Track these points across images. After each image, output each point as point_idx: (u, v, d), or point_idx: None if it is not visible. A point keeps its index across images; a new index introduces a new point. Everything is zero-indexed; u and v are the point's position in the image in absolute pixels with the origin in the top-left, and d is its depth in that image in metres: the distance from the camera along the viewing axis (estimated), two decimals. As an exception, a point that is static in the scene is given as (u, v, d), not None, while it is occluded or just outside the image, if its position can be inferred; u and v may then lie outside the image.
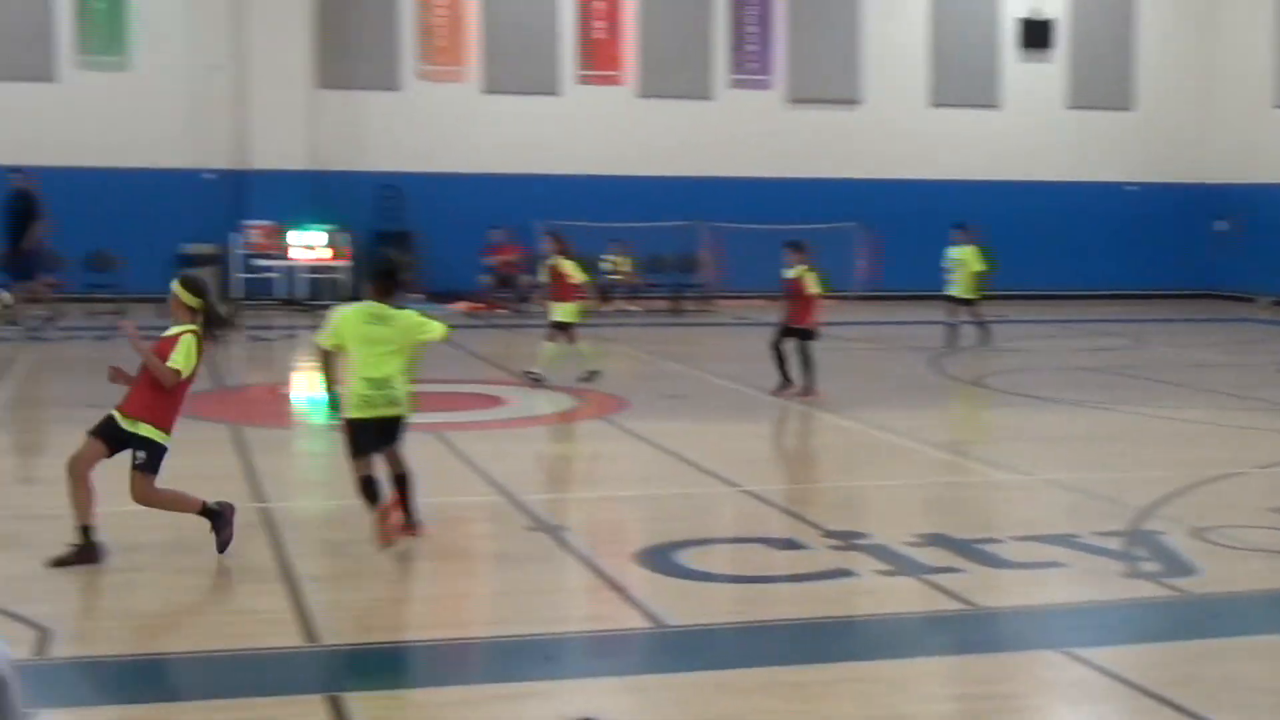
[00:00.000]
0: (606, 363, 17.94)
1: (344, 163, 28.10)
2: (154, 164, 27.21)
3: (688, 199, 29.04)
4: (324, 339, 9.44)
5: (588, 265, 18.59)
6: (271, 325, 23.69)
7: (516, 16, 28.91)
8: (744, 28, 30.13)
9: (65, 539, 8.83)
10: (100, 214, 26.70)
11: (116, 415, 9.06)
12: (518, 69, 28.96)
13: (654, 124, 29.61)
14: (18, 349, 20.33)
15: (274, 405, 16.72)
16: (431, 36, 28.67)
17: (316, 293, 27.24)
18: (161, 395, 9.05)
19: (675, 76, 29.77)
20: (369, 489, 9.27)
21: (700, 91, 29.96)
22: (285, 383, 18.51)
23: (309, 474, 12.86)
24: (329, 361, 9.49)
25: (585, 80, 29.45)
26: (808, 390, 16.30)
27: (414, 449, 12.90)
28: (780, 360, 16.48)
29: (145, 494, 9.02)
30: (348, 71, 28.17)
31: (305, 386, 18.25)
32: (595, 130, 29.33)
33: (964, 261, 21.93)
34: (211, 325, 9.40)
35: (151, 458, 8.99)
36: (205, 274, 12.70)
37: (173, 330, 9.29)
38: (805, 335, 16.48)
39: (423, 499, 9.57)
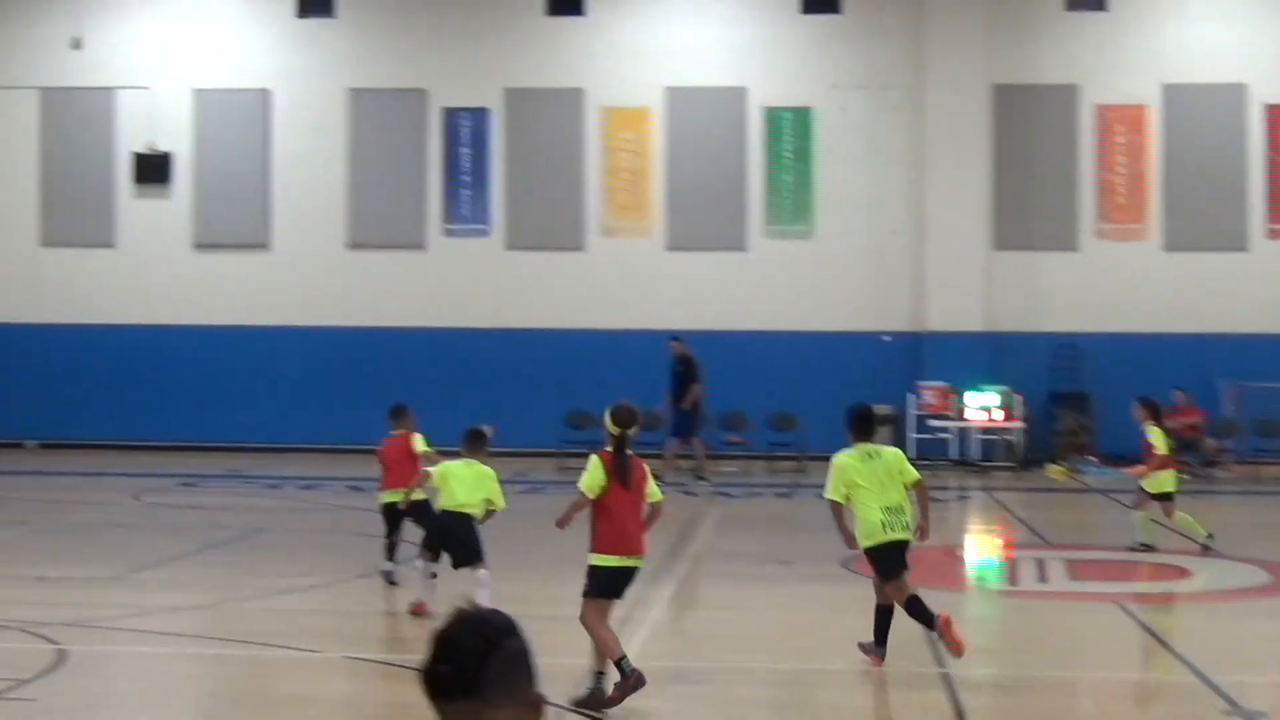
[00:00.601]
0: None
1: (1019, 324, 28.01)
2: (835, 327, 28.16)
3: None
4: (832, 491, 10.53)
5: (1171, 435, 17.38)
6: (946, 486, 23.76)
7: (1201, 172, 27.99)
8: None
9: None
10: (783, 376, 27.88)
11: None
12: (1201, 223, 27.97)
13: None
14: (709, 504, 21.40)
15: (949, 568, 16.67)
16: (1111, 195, 28.26)
17: (989, 454, 27.17)
18: (596, 522, 9.58)
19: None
20: (918, 607, 10.06)
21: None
22: (959, 545, 18.45)
23: (984, 640, 12.70)
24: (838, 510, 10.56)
25: (1275, 234, 28.05)
26: None
27: (1096, 619, 12.52)
28: None
29: (584, 618, 9.48)
30: (1025, 232, 28.16)
31: (978, 550, 18.17)
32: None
33: None
34: (619, 450, 9.68)
35: (590, 581, 9.46)
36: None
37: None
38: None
39: (1106, 673, 9.25)
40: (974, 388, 26.86)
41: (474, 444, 12.63)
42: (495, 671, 2.93)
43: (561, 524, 10.04)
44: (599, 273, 28.62)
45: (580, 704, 9.31)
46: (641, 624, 12.21)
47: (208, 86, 29.23)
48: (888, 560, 10.29)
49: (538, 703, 3.00)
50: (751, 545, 17.48)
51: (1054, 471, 26.47)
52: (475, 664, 2.92)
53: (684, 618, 12.65)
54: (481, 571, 12.10)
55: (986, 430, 27.11)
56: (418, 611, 12.22)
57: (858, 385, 27.59)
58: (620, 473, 9.62)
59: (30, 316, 29.43)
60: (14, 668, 10.20)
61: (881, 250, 28.37)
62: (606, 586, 9.59)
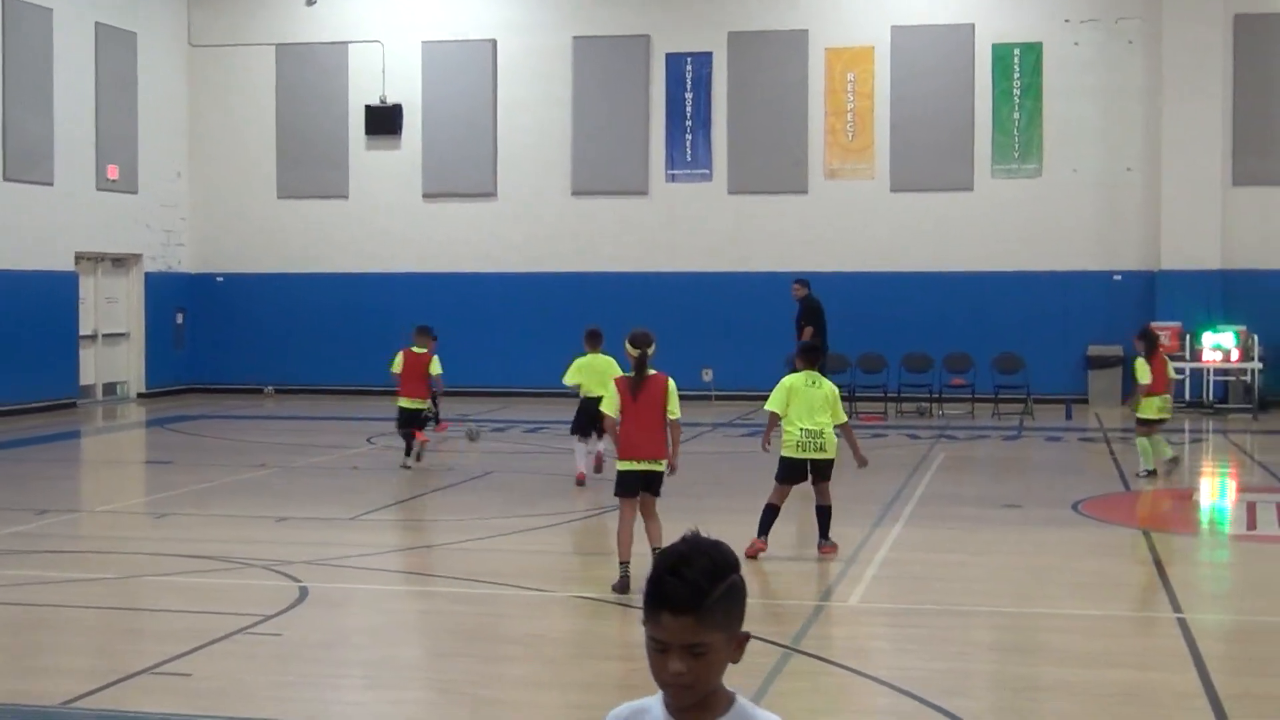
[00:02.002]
0: None
1: (1256, 261, 27.07)
2: (1065, 266, 27.57)
3: None
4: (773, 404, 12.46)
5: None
6: (1180, 428, 23.12)
7: None
8: None
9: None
10: (1010, 317, 27.45)
11: None
12: None
13: None
14: (932, 446, 21.19)
15: (1184, 511, 16.24)
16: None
17: (1224, 396, 26.38)
18: (619, 434, 11.27)
19: None
20: (770, 513, 12.28)
21: None
22: (1194, 489, 17.96)
23: (1221, 585, 12.37)
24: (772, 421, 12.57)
25: None
26: None
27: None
28: None
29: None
30: (1265, 167, 27.15)
31: (1213, 493, 17.69)
32: None
33: None
34: (639, 369, 11.30)
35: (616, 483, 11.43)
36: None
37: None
38: None
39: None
40: (1209, 327, 26.08)
41: (594, 341, 17.15)
42: (720, 596, 3.00)
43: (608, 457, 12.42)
44: (822, 215, 28.45)
45: (615, 589, 10.99)
46: (869, 564, 12.20)
47: (435, 39, 29.77)
48: (791, 471, 12.44)
49: (744, 639, 3.09)
50: (978, 488, 17.28)
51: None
52: (706, 583, 2.99)
53: (909, 560, 12.57)
54: (602, 442, 16.88)
55: (1222, 371, 26.30)
56: (580, 480, 16.71)
57: (1087, 326, 27.15)
58: (634, 390, 11.26)
59: (268, 266, 30.46)
60: (260, 603, 10.62)
61: (1113, 188, 27.66)
62: (622, 486, 11.25)
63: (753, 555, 12.06)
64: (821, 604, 10.70)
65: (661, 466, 11.27)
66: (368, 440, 22.01)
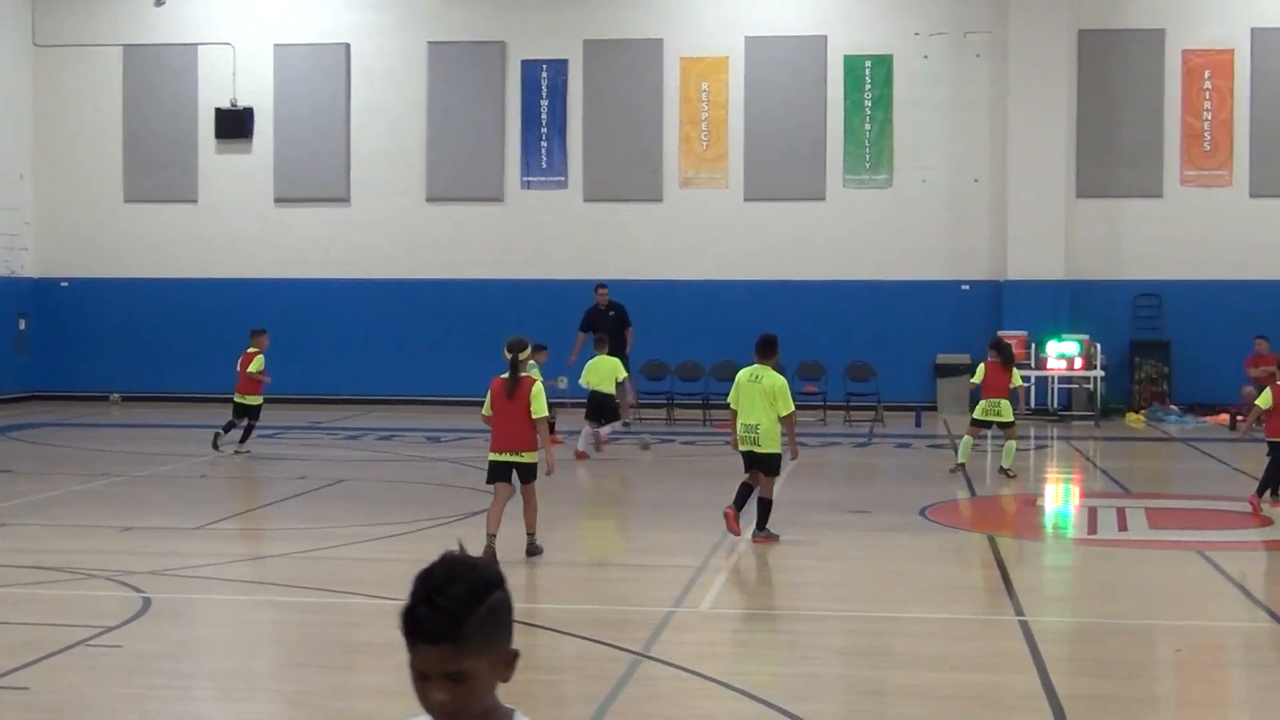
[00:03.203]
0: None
1: (1100, 272, 27.75)
2: (914, 276, 28.02)
3: None
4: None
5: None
6: (1025, 435, 23.55)
7: (1288, 117, 27.52)
8: None
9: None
10: (861, 326, 27.82)
11: None
12: (1288, 170, 27.55)
13: None
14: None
15: (1027, 516, 16.58)
16: (1196, 141, 27.84)
17: (1068, 403, 26.98)
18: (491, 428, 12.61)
19: None
20: (742, 491, 13.26)
21: None
22: (1038, 494, 18.35)
23: (1062, 588, 12.65)
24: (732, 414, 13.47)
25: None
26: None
27: (1176, 567, 12.46)
28: None
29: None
30: (1108, 179, 27.85)
31: (1056, 498, 18.09)
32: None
33: None
34: (513, 371, 12.39)
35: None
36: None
37: None
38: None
39: (1186, 621, 9.16)
40: (1054, 336, 26.66)
41: (600, 345, 21.28)
42: (478, 621, 2.92)
43: (550, 457, 12.64)
44: (677, 224, 28.61)
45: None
46: (720, 570, 12.28)
47: (288, 42, 29.42)
48: (746, 461, 13.35)
49: (512, 658, 3.02)
50: (828, 494, 17.48)
51: (1133, 420, 26.36)
52: (462, 610, 2.91)
53: (760, 565, 12.69)
54: (606, 427, 20.56)
55: (1066, 379, 26.90)
56: (579, 456, 19.85)
57: (936, 334, 27.59)
58: (509, 390, 12.38)
59: (114, 271, 29.87)
60: (102, 615, 10.41)
61: (961, 199, 28.17)
62: (492, 474, 12.53)
63: (735, 529, 13.24)
64: (673, 610, 10.75)
65: (528, 458, 12.38)
66: (215, 449, 21.62)
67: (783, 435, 13.26)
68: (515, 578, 12.17)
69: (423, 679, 2.95)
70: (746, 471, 13.44)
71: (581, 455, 20.05)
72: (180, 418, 26.21)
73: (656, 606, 10.85)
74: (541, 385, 12.61)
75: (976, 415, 18.88)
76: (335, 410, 27.33)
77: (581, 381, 20.80)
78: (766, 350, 13.51)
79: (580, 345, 25.02)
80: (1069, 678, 8.97)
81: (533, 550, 12.60)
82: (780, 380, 13.33)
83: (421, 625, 2.93)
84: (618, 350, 25.16)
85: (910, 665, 9.40)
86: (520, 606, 10.07)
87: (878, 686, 8.92)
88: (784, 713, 8.08)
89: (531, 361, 14.96)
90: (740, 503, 13.37)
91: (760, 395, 13.11)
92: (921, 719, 8.25)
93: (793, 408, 13.40)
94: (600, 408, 20.54)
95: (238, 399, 21.08)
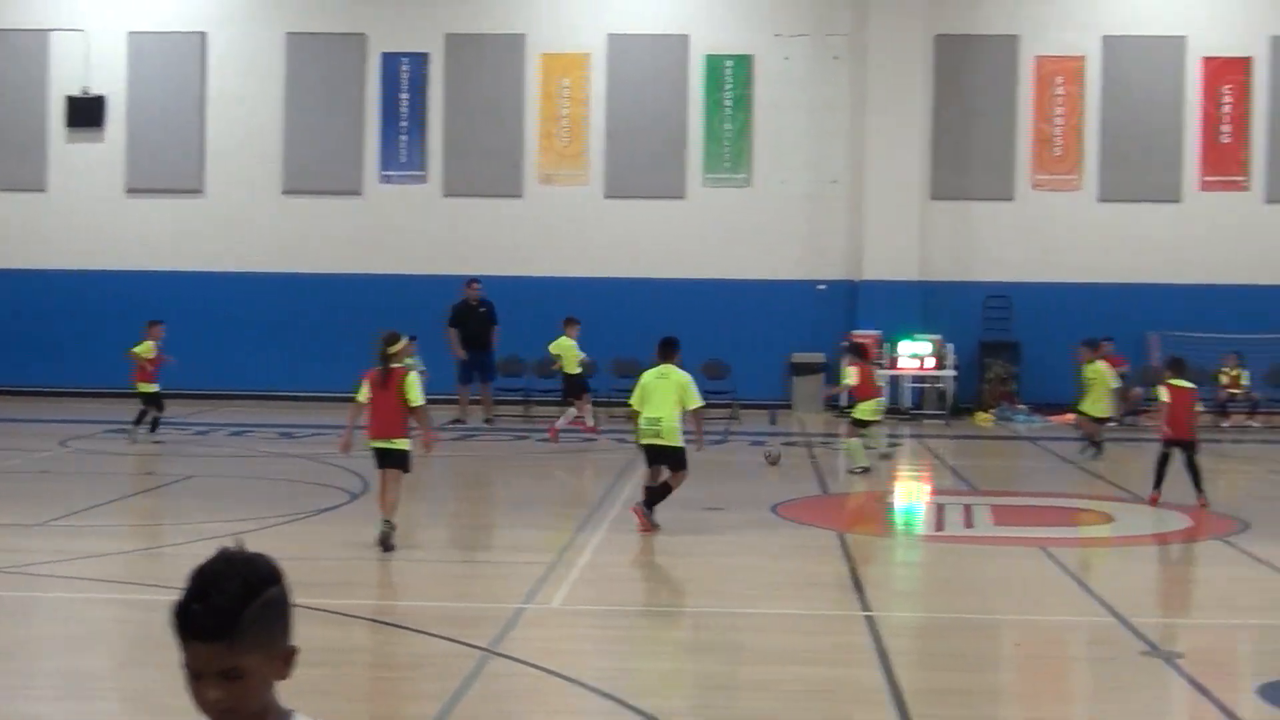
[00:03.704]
0: (1220, 481, 17.06)
1: (952, 273, 28.22)
2: (771, 275, 28.26)
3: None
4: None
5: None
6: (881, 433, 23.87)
7: (1137, 124, 28.18)
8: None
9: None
10: (718, 324, 27.99)
11: None
12: (1135, 175, 28.22)
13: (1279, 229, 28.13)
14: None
15: (878, 513, 16.81)
16: (1048, 145, 28.42)
17: (920, 402, 27.39)
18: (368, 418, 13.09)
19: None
20: (654, 494, 13.95)
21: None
22: (888, 491, 18.60)
23: (909, 584, 12.84)
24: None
25: (1208, 187, 28.30)
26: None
27: (1019, 563, 12.71)
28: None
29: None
30: (962, 182, 28.33)
31: (906, 496, 18.35)
32: (1216, 237, 28.11)
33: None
34: (385, 363, 13.09)
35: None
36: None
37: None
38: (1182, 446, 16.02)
39: (1028, 616, 9.34)
40: (906, 336, 27.05)
41: (569, 325, 23.32)
42: (252, 617, 2.84)
43: (343, 445, 13.38)
44: (537, 220, 28.57)
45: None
46: (573, 566, 12.28)
47: (143, 29, 28.88)
48: (650, 455, 14.21)
49: (290, 654, 2.94)
50: (682, 491, 17.53)
51: (983, 419, 26.84)
52: (236, 605, 2.83)
53: (613, 562, 12.72)
54: (572, 409, 22.47)
55: (918, 378, 27.31)
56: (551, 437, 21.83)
57: (792, 333, 27.85)
58: (382, 380, 12.93)
59: (-41, 261, 29.09)
60: (-65, 611, 10.14)
61: (819, 199, 28.47)
62: (375, 460, 13.01)
63: (646, 527, 13.78)
64: (523, 606, 10.73)
65: (399, 445, 12.90)
66: (61, 444, 21.18)
67: (687, 430, 14.03)
68: (365, 575, 12.09)
69: (196, 678, 2.85)
70: (650, 466, 14.19)
71: (554, 434, 21.88)
72: (25, 411, 25.61)
73: (508, 603, 10.83)
74: (416, 375, 13.14)
75: (867, 416, 19.47)
76: (186, 405, 26.86)
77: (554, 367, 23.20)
78: (669, 351, 14.35)
79: (457, 340, 24.98)
80: (913, 671, 9.12)
81: (385, 540, 12.66)
82: (687, 376, 14.18)
83: (194, 622, 2.84)
84: (484, 346, 25.12)
85: (758, 660, 9.48)
86: (370, 604, 10.01)
87: (726, 681, 8.98)
88: (632, 708, 8.10)
89: (410, 360, 15.08)
90: (651, 503, 13.93)
91: (670, 390, 13.90)
92: (768, 713, 8.33)
93: (701, 402, 14.27)
94: (567, 389, 22.88)
95: (146, 388, 21.33)
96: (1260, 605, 11.64)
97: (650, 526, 13.84)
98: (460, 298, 25.33)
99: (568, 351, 23.15)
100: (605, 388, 26.48)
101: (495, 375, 25.79)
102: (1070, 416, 26.15)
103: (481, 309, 25.24)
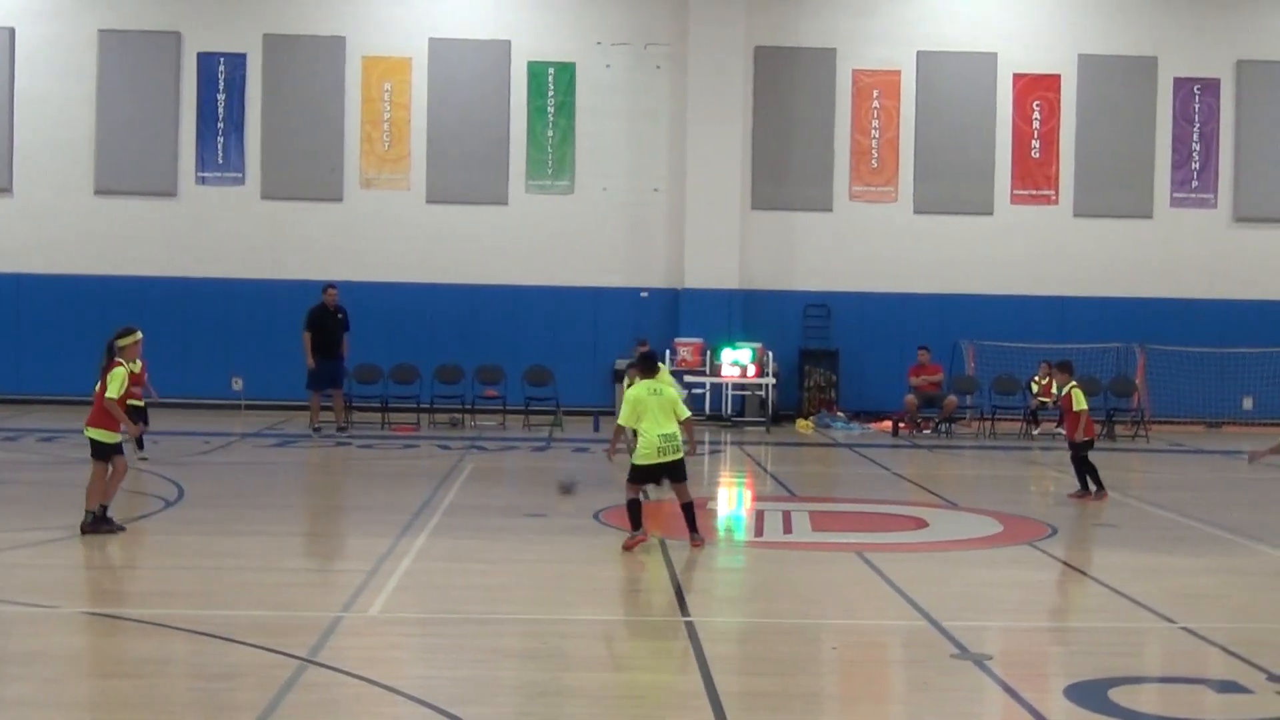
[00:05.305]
0: (1031, 488, 17.55)
1: (772, 282, 28.58)
2: (594, 282, 28.33)
3: (1121, 320, 28.35)
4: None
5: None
6: (700, 440, 24.03)
7: (951, 138, 28.83)
8: (1188, 146, 29.18)
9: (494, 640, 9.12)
10: (541, 330, 28.01)
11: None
12: (949, 188, 28.88)
13: (1088, 242, 28.97)
14: (462, 457, 21.34)
15: (698, 520, 16.88)
16: (864, 158, 28.93)
17: (741, 409, 27.67)
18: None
19: (1112, 195, 29.08)
20: (636, 507, 13.56)
21: (1139, 210, 29.13)
22: (709, 498, 18.73)
23: (728, 589, 12.95)
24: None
25: (1018, 200, 29.06)
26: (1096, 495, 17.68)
27: (836, 569, 12.89)
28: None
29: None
30: (781, 193, 28.71)
31: (726, 502, 18.51)
32: (1026, 249, 28.89)
33: None
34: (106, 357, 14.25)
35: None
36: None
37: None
38: (1079, 447, 17.73)
39: (844, 620, 9.48)
40: (728, 344, 27.32)
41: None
42: None
43: (132, 431, 14.79)
44: (357, 224, 28.29)
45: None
46: (392, 574, 12.16)
47: (-55, 22, 27.98)
48: (646, 475, 13.63)
49: None
50: (504, 498, 17.51)
51: (803, 426, 27.21)
52: None
53: (433, 569, 12.62)
54: None
55: (740, 386, 27.59)
56: None
57: (615, 340, 27.94)
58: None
59: None
60: None
61: (641, 207, 28.63)
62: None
63: (631, 547, 13.40)
64: (341, 615, 10.60)
65: (90, 434, 14.10)
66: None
67: (683, 439, 13.83)
68: (181, 584, 11.82)
69: None
70: (642, 483, 13.74)
71: None
72: None
73: (326, 611, 10.68)
74: (122, 370, 14.18)
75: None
76: (-7, 410, 26.08)
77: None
78: (650, 366, 14.12)
79: (309, 346, 24.48)
80: (731, 676, 9.19)
81: (87, 524, 13.60)
82: (675, 389, 14.42)
83: None
84: (335, 353, 24.63)
85: (578, 667, 9.48)
86: (185, 613, 9.78)
87: (546, 688, 8.96)
88: (450, 716, 8.05)
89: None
90: (638, 523, 13.60)
91: (669, 405, 13.64)
92: (588, 719, 8.33)
93: (689, 413, 14.16)
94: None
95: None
96: (1066, 608, 11.96)
97: (699, 542, 13.70)
98: (318, 302, 24.91)
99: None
100: (427, 395, 26.33)
101: (344, 382, 25.14)
102: (887, 424, 26.70)
103: (339, 315, 24.87)
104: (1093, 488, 17.74)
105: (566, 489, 16.97)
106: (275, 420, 25.89)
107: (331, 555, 13.86)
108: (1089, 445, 17.88)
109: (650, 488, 14.29)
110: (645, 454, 13.46)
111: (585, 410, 26.82)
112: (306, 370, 24.54)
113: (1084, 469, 17.82)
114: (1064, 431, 18.40)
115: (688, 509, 13.74)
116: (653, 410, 13.53)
